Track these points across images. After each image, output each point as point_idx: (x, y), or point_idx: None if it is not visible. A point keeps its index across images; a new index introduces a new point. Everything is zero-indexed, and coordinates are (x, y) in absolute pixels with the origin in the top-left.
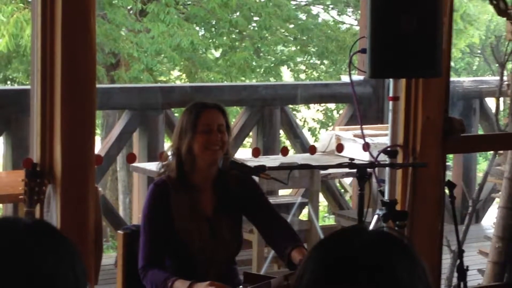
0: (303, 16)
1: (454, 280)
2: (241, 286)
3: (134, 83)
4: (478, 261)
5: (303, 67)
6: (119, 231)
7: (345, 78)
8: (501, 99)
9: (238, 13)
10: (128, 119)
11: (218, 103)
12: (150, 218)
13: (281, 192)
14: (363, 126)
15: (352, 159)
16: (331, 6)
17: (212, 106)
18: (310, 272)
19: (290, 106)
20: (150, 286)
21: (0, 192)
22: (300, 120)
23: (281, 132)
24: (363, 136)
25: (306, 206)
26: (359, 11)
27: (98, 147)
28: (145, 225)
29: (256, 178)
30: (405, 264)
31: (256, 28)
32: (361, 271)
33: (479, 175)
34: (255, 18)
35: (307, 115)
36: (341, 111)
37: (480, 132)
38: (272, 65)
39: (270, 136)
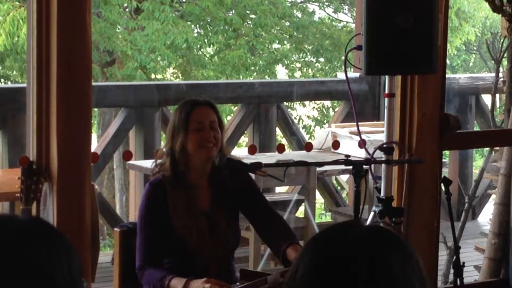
0: (298, 14)
1: (451, 277)
2: (237, 283)
3: (127, 81)
4: (474, 257)
5: (298, 65)
6: (115, 229)
7: (341, 75)
8: (497, 95)
9: (233, 11)
10: (124, 117)
11: (209, 99)
12: (146, 218)
13: (278, 189)
14: (359, 123)
15: (348, 156)
16: (326, 3)
17: (203, 103)
18: (304, 266)
19: (286, 103)
20: (147, 285)
21: None
22: (295, 118)
23: (277, 129)
24: (359, 133)
25: (303, 203)
26: (355, 9)
27: (95, 145)
28: (141, 225)
29: (253, 175)
30: (399, 257)
31: (251, 26)
32: (354, 264)
33: (475, 171)
34: (251, 16)
35: (302, 112)
36: (336, 109)
37: (476, 128)
38: (267, 63)
39: (266, 133)
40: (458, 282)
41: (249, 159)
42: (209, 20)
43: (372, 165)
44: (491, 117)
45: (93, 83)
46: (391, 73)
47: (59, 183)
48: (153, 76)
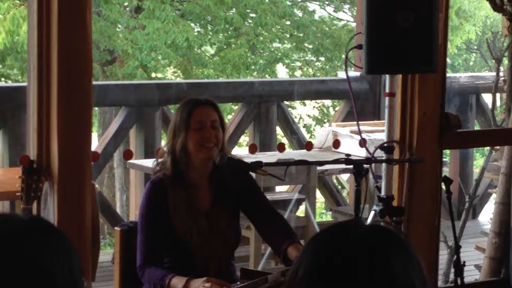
0: (299, 13)
1: (451, 276)
2: (238, 282)
3: (127, 79)
4: (475, 257)
5: (298, 64)
6: (116, 228)
7: (341, 74)
8: (498, 94)
9: (233, 10)
10: (125, 116)
11: (211, 98)
12: (147, 217)
13: (278, 188)
14: (360, 122)
15: (348, 155)
16: (327, 2)
17: (205, 102)
18: (305, 264)
19: (286, 102)
20: (148, 284)
21: None
22: (296, 117)
23: (278, 128)
24: (359, 132)
25: (303, 203)
26: (355, 8)
27: (95, 144)
28: (142, 224)
29: (253, 175)
30: (400, 257)
31: (252, 25)
32: (355, 264)
33: (476, 170)
34: (251, 15)
35: (302, 111)
36: (337, 108)
37: (477, 127)
38: (267, 62)
39: (267, 133)
40: (459, 281)
41: (249, 158)
42: (209, 19)
43: (373, 164)
44: (492, 116)
45: (94, 82)
46: (392, 72)
47: (59, 182)
48: (153, 75)
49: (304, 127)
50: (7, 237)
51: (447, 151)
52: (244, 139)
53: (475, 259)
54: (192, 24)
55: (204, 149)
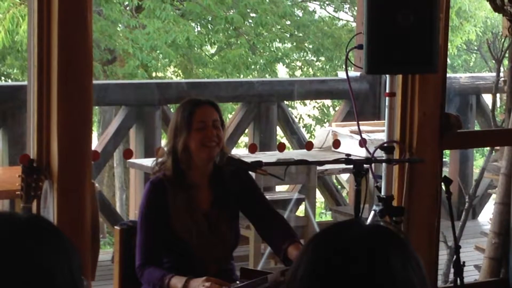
0: (299, 13)
1: (451, 276)
2: (237, 282)
3: (128, 79)
4: (474, 257)
5: (299, 64)
6: (116, 227)
7: (341, 74)
8: (498, 95)
9: (234, 10)
10: (125, 115)
11: (211, 99)
12: (147, 217)
13: (278, 188)
14: (360, 122)
15: (348, 155)
16: (327, 2)
17: (205, 102)
18: (305, 264)
19: (286, 102)
20: (147, 284)
21: None
22: (296, 117)
23: (278, 128)
24: (359, 132)
25: (303, 202)
26: (356, 7)
27: (95, 143)
28: (142, 224)
29: (253, 174)
30: (400, 257)
31: (252, 25)
32: (355, 264)
33: (476, 171)
34: (251, 15)
35: (302, 111)
36: (337, 108)
37: (477, 128)
38: (268, 62)
39: (267, 132)
40: (458, 281)
41: (249, 158)
42: (210, 19)
43: (373, 164)
44: (492, 117)
45: (94, 81)
46: (392, 72)
47: (59, 181)
48: (154, 74)
49: (304, 127)
50: (6, 236)
51: (447, 151)
52: (242, 139)
53: (475, 259)
54: (193, 24)
55: (206, 148)
